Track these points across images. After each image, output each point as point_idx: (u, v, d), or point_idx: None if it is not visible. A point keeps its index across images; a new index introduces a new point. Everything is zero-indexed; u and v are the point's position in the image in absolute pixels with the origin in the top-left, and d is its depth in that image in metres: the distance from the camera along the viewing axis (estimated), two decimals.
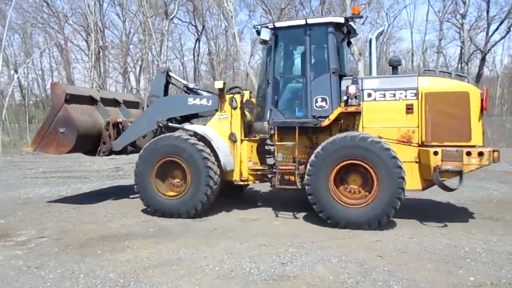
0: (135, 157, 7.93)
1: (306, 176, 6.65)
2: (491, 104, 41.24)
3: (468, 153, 6.32)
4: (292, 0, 41.56)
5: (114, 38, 43.25)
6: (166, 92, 8.62)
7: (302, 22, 7.22)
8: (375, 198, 6.38)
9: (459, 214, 7.59)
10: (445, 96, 6.61)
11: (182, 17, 41.18)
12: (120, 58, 41.66)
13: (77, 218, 7.38)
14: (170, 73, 8.70)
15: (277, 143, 7.31)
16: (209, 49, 44.76)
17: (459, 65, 36.74)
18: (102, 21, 38.94)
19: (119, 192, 9.86)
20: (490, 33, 30.17)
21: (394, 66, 7.47)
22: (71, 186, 11.06)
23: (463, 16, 29.74)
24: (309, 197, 6.65)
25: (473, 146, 6.47)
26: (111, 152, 8.54)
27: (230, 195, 8.63)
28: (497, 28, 29.75)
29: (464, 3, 29.67)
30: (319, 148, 6.64)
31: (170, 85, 8.94)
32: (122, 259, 5.12)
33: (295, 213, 7.56)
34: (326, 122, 6.89)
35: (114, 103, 9.34)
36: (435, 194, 9.48)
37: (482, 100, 6.52)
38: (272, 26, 7.30)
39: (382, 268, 4.77)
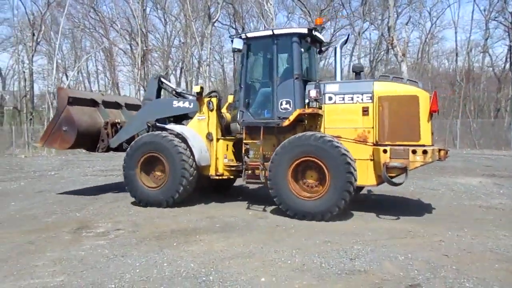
0: None
1: (267, 171, 7.43)
2: None
3: (414, 151, 6.92)
4: (332, 1, 41.43)
5: (156, 41, 44.48)
6: (158, 96, 9.64)
7: (270, 32, 7.98)
8: (327, 191, 7.05)
9: None
10: (397, 99, 7.19)
11: (222, 19, 41.91)
12: (161, 61, 42.82)
13: (145, 213, 7.85)
14: (162, 79, 9.75)
15: (244, 141, 8.11)
16: None
17: (506, 65, 35.56)
18: (145, 25, 40.12)
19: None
20: None
21: (357, 72, 8.19)
22: None
23: None
24: (270, 190, 7.42)
25: (423, 145, 6.99)
26: (108, 149, 9.69)
27: (217, 190, 9.89)
28: None
29: None
30: (279, 146, 7.42)
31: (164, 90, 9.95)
32: (198, 251, 5.48)
33: (352, 211, 7.73)
34: (286, 123, 7.56)
35: (116, 105, 10.46)
36: (491, 197, 9.44)
37: (431, 103, 7.07)
38: (244, 36, 8.09)
39: (450, 267, 4.89)
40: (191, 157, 8.12)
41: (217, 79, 45.68)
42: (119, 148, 9.59)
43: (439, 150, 7.02)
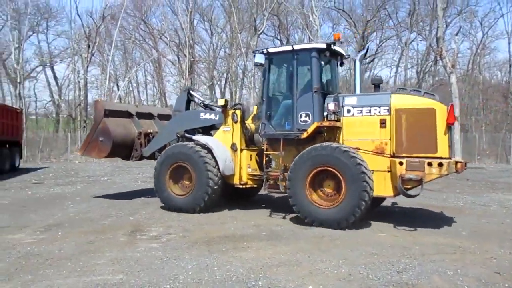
0: None
1: (287, 181, 7.64)
2: None
3: (429, 164, 7.01)
4: (379, 12, 41.01)
5: (202, 52, 45.67)
6: (188, 108, 10.07)
7: (290, 48, 8.35)
8: (343, 200, 7.20)
9: None
10: (414, 112, 7.34)
11: (267, 31, 42.49)
12: (207, 72, 43.88)
13: (194, 219, 8.15)
14: (191, 92, 10.17)
15: (265, 152, 8.47)
16: None
17: None
18: (193, 36, 41.32)
19: (222, 200, 10.60)
20: None
21: (376, 85, 8.27)
22: None
23: None
24: (289, 199, 7.64)
25: (440, 158, 7.07)
26: (141, 158, 10.24)
27: (242, 199, 10.15)
28: None
29: None
30: (297, 156, 7.63)
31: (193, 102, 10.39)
32: (246, 257, 5.67)
33: (397, 225, 7.67)
34: (304, 135, 7.85)
35: (149, 116, 11.05)
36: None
37: (448, 115, 7.15)
38: (266, 52, 8.48)
39: (503, 285, 4.79)
40: (216, 166, 8.52)
41: (260, 88, 46.14)
42: (151, 157, 10.10)
43: (456, 162, 7.06)
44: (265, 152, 8.50)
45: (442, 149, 7.17)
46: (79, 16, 37.88)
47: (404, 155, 7.31)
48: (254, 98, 34.13)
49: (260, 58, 8.34)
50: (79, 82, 38.55)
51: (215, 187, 8.52)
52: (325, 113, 7.84)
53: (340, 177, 7.25)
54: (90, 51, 36.35)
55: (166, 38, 40.97)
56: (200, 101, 10.34)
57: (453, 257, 5.87)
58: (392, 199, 9.30)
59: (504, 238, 6.99)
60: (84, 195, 11.17)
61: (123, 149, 10.15)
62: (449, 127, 7.26)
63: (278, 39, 45.79)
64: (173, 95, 47.39)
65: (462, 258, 5.82)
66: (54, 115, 44.42)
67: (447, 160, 7.05)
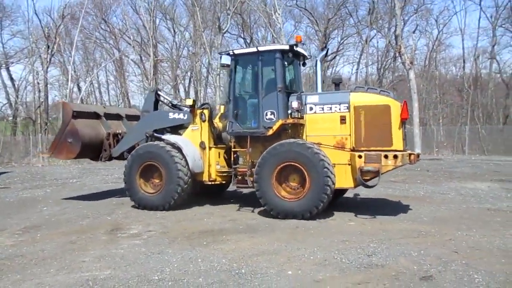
0: None
1: (255, 175, 8.04)
2: None
3: (385, 156, 7.60)
4: (339, 10, 42.07)
5: (165, 51, 45.34)
6: (156, 108, 10.28)
7: (255, 49, 8.75)
8: (307, 193, 7.70)
9: None
10: (371, 109, 7.88)
11: (230, 29, 42.69)
12: (171, 71, 43.63)
13: (171, 217, 8.36)
14: (159, 92, 10.45)
15: (233, 149, 8.83)
16: None
17: None
18: (155, 35, 40.95)
19: (197, 196, 10.83)
20: None
21: (336, 84, 8.82)
22: None
23: None
24: (256, 192, 8.05)
25: (395, 151, 7.66)
26: (111, 158, 10.41)
27: (212, 196, 10.40)
28: None
29: None
30: (265, 152, 8.06)
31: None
32: (227, 248, 5.99)
33: (365, 214, 8.18)
34: (270, 132, 8.27)
35: (117, 117, 11.16)
36: (499, 201, 9.84)
37: (401, 111, 7.70)
38: (232, 53, 8.85)
39: (460, 261, 5.34)
40: (186, 164, 8.80)
41: (226, 89, 46.35)
42: (120, 157, 10.27)
43: (410, 154, 7.67)
44: (233, 149, 8.86)
45: (397, 143, 7.74)
46: (37, 15, 36.63)
47: (362, 149, 7.85)
48: (219, 97, 34.34)
49: (226, 60, 8.72)
50: (38, 83, 37.42)
51: (185, 185, 8.78)
52: (289, 111, 8.27)
53: (304, 171, 7.71)
54: (49, 51, 35.35)
55: (128, 37, 40.48)
56: (168, 101, 10.57)
57: (416, 240, 6.40)
58: (354, 191, 9.93)
59: (460, 222, 7.62)
60: (56, 198, 11.10)
61: (91, 150, 10.26)
62: (402, 122, 7.80)
63: (242, 37, 46.12)
64: (137, 95, 46.88)
65: (424, 241, 6.36)
66: (11, 118, 42.89)
67: (401, 153, 7.63)
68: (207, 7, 39.55)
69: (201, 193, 10.08)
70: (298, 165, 7.77)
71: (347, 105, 8.01)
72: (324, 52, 9.80)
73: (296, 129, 8.43)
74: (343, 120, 8.02)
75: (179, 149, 8.90)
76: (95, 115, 10.60)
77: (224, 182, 9.50)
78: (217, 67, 33.54)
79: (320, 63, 9.34)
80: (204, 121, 9.25)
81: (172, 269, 5.12)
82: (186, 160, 8.82)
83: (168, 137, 9.34)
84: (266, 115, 8.41)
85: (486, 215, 8.34)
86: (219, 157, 9.38)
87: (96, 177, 16.16)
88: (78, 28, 32.10)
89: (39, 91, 37.35)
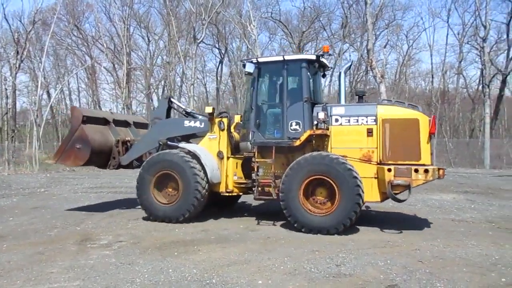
0: None
1: (281, 186, 7.83)
2: None
3: (416, 170, 7.50)
4: (313, 23, 42.88)
5: (139, 59, 45.03)
6: (168, 115, 10.08)
7: (280, 58, 8.60)
8: (335, 209, 7.50)
9: (488, 229, 8.29)
10: (399, 122, 7.83)
11: (205, 39, 42.82)
12: (144, 80, 43.30)
13: (142, 227, 8.30)
14: (172, 99, 10.19)
15: (257, 160, 8.51)
16: (231, 71, 46.27)
17: (480, 87, 37.28)
18: (129, 43, 40.64)
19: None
20: (510, 55, 30.80)
21: (360, 96, 8.86)
22: (122, 200, 12.10)
23: (484, 40, 30.40)
24: (281, 203, 7.81)
25: (422, 165, 7.61)
26: (119, 166, 9.99)
27: (222, 206, 10.13)
28: None
29: (485, 27, 30.41)
30: (293, 163, 7.84)
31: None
32: (198, 259, 6.00)
33: None
34: (297, 143, 8.09)
35: (125, 124, 10.87)
36: (463, 212, 10.21)
37: (430, 125, 7.67)
38: (256, 61, 8.63)
39: (424, 271, 5.53)
40: (204, 175, 8.47)
41: (200, 98, 46.36)
42: (129, 166, 9.96)
43: (438, 169, 7.60)
44: (256, 160, 8.51)
45: (425, 157, 7.67)
46: (6, 20, 35.76)
47: (390, 162, 7.72)
48: (192, 106, 34.27)
49: (250, 67, 8.46)
50: (6, 89, 36.42)
51: (203, 196, 8.47)
52: (315, 122, 8.11)
53: (335, 186, 7.49)
54: (19, 57, 34.51)
55: (101, 44, 40.00)
56: (182, 109, 10.28)
57: (383, 250, 6.59)
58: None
59: (426, 232, 7.88)
60: (23, 208, 10.82)
61: (100, 157, 9.79)
62: (430, 136, 7.77)
63: (217, 48, 46.41)
64: (109, 103, 46.22)
65: (391, 250, 6.56)
66: None
67: (432, 167, 7.58)
68: (182, 17, 39.69)
69: (214, 205, 9.79)
70: (329, 180, 7.56)
71: (374, 117, 7.92)
72: (349, 64, 9.73)
73: (321, 140, 8.25)
74: (370, 132, 7.91)
75: (198, 158, 8.57)
76: (104, 121, 10.21)
77: (241, 193, 9.23)
78: (192, 76, 33.55)
79: (344, 75, 9.22)
80: (222, 129, 8.96)
81: (143, 280, 5.11)
82: (204, 170, 8.49)
83: (186, 145, 9.05)
84: (291, 125, 8.26)
85: (450, 225, 8.65)
86: (236, 167, 9.10)
87: (65, 187, 15.82)
88: (49, 34, 31.51)
89: (7, 97, 36.33)
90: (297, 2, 73.74)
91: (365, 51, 32.35)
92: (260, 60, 8.71)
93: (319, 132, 8.01)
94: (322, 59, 8.74)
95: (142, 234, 7.64)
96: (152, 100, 44.85)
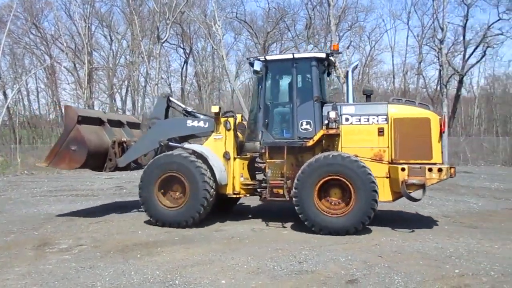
0: (135, 176, 8.76)
1: (293, 189, 7.66)
2: (470, 124, 43.29)
3: (430, 169, 7.48)
4: (278, 24, 43.20)
5: (101, 59, 44.00)
6: (166, 115, 9.71)
7: (290, 56, 8.47)
8: (352, 209, 7.41)
9: (444, 223, 8.63)
10: (410, 121, 7.81)
11: (170, 39, 42.31)
12: (107, 80, 42.33)
13: (104, 230, 8.13)
14: (171, 98, 9.82)
15: (268, 160, 8.31)
16: (196, 71, 45.96)
17: (438, 87, 38.69)
18: (91, 42, 39.62)
19: (132, 207, 10.62)
20: (466, 57, 32.15)
21: (367, 95, 8.75)
22: (83, 203, 11.76)
23: (441, 41, 31.57)
24: (296, 207, 7.65)
25: (434, 164, 7.64)
26: (116, 168, 9.52)
27: (222, 208, 9.60)
28: (473, 52, 31.86)
29: (442, 29, 31.58)
30: (305, 164, 7.67)
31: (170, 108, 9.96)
32: (161, 260, 5.95)
33: (299, 223, 8.45)
34: (310, 143, 7.99)
35: (119, 124, 10.40)
36: (422, 208, 10.56)
37: (440, 124, 7.77)
38: (264, 59, 8.41)
39: (383, 265, 5.72)
40: (212, 177, 8.18)
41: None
42: (126, 168, 9.58)
43: (450, 167, 7.62)
44: (267, 161, 8.32)
45: (436, 156, 7.70)
46: None
47: (401, 161, 7.69)
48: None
49: (258, 65, 8.19)
50: None
51: (210, 199, 8.15)
52: (326, 121, 7.97)
53: (350, 186, 7.40)
54: None
55: (61, 43, 38.77)
56: (182, 108, 9.89)
57: (345, 246, 6.75)
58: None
59: (387, 228, 8.08)
60: None
61: (96, 159, 9.24)
62: (441, 135, 7.75)
63: (181, 47, 45.96)
64: (69, 104, 44.80)
65: (353, 246, 6.73)
66: None
67: (445, 166, 7.60)
68: (146, 16, 39.01)
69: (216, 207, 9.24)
70: (344, 179, 7.45)
71: (385, 116, 7.88)
72: (356, 63, 9.62)
73: (332, 140, 8.15)
74: (381, 132, 7.87)
75: (205, 160, 8.23)
76: (99, 121, 9.69)
77: (247, 195, 8.89)
78: (156, 76, 33.07)
79: (352, 73, 9.12)
80: (229, 129, 8.62)
81: (104, 283, 5.02)
82: (213, 172, 8.17)
83: (192, 146, 8.73)
84: (301, 125, 8.13)
85: (409, 221, 8.94)
86: (243, 168, 8.84)
87: (23, 190, 15.26)
88: (5, 32, 30.28)
89: None
90: (262, 3, 74.03)
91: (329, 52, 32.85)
92: (268, 58, 8.51)
93: (332, 132, 7.90)
94: (331, 57, 8.65)
95: (104, 237, 7.49)
96: (115, 101, 43.93)
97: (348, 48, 41.87)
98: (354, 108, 8.21)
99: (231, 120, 8.73)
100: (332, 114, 7.86)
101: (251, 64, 8.46)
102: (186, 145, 8.91)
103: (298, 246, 6.73)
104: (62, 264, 5.84)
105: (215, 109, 8.77)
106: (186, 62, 46.23)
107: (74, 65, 40.25)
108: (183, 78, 46.50)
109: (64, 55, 40.28)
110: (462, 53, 33.22)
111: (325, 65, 8.64)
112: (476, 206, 10.78)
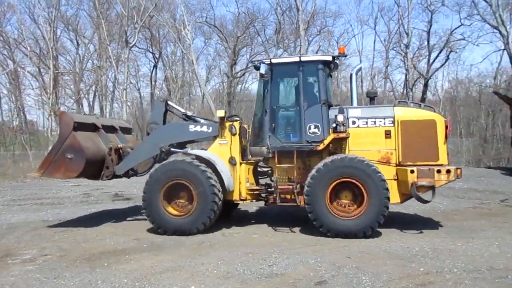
0: (103, 184, 8.55)
1: (306, 187, 7.57)
2: None
3: (438, 171, 7.53)
4: (248, 29, 43.37)
5: (67, 64, 42.98)
6: (164, 120, 9.38)
7: (296, 59, 8.38)
8: (365, 211, 7.42)
9: (410, 223, 8.83)
10: (417, 123, 7.87)
11: (138, 43, 41.76)
12: (74, 85, 41.35)
13: (70, 238, 7.92)
14: (169, 102, 9.52)
15: (277, 165, 8.16)
16: (165, 75, 45.54)
17: (404, 90, 39.72)
18: (56, 47, 38.63)
19: (100, 215, 10.41)
20: (431, 61, 33.21)
21: (371, 98, 8.78)
22: (49, 211, 11.40)
23: (407, 46, 32.52)
24: (306, 206, 7.58)
25: (441, 165, 7.72)
26: (113, 176, 9.14)
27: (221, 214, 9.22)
28: (437, 56, 32.95)
29: (407, 34, 32.53)
30: (319, 166, 7.60)
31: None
32: (129, 268, 5.86)
33: (270, 226, 8.50)
34: (321, 146, 7.93)
35: (112, 129, 9.97)
36: (390, 207, 10.78)
37: (446, 126, 7.88)
38: (269, 62, 8.31)
39: (351, 265, 5.82)
40: (220, 184, 8.00)
41: (133, 104, 45.14)
42: (124, 175, 9.23)
43: (457, 168, 7.65)
44: (277, 165, 8.15)
45: (443, 157, 7.74)
46: None
47: (409, 163, 7.74)
48: (126, 112, 33.29)
49: (262, 69, 8.07)
50: None
51: (220, 204, 7.99)
52: (334, 125, 7.92)
53: (363, 189, 7.40)
54: None
55: (25, 47, 37.62)
56: (182, 113, 9.57)
57: (314, 248, 6.82)
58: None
59: None
60: None
61: (92, 167, 8.72)
62: (446, 137, 7.81)
63: (150, 52, 45.45)
64: (34, 110, 43.62)
65: (322, 248, 6.81)
66: None
67: (453, 167, 7.63)
68: (114, 20, 38.41)
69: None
70: (356, 182, 7.44)
71: (391, 119, 7.91)
72: (359, 66, 9.47)
73: (338, 143, 8.11)
74: (388, 134, 7.90)
75: (213, 166, 8.03)
76: (93, 127, 9.24)
77: (253, 200, 8.72)
78: (124, 81, 32.57)
79: (356, 76, 9.09)
80: (234, 134, 8.46)
81: None
82: (221, 179, 7.98)
83: (198, 152, 8.51)
84: (310, 128, 8.03)
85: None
86: (248, 173, 8.68)
87: None
88: None
89: None
90: (232, 8, 74.27)
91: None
92: (274, 61, 8.40)
93: (343, 135, 7.88)
94: (336, 60, 8.64)
95: (70, 246, 7.29)
96: (82, 106, 42.93)
97: (317, 52, 42.39)
98: (361, 111, 8.24)
99: (236, 124, 8.59)
100: (340, 118, 7.83)
101: (256, 68, 8.38)
102: (189, 150, 8.73)
103: (269, 249, 6.75)
104: (25, 275, 5.66)
105: (220, 113, 8.57)
106: (155, 66, 45.78)
107: (39, 70, 39.08)
108: (153, 83, 46.00)
109: (28, 60, 39.11)
110: (427, 57, 34.37)
111: (331, 68, 8.66)
112: (440, 205, 11.09)
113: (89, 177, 9.31)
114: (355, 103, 8.84)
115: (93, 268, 5.91)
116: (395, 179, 7.91)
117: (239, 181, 8.46)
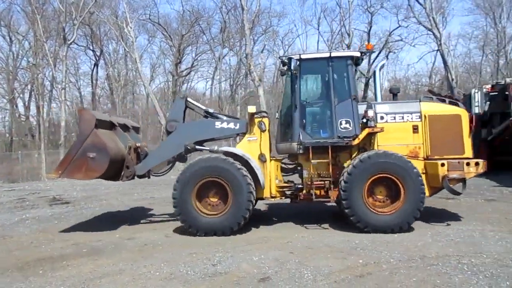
0: (39, 187, 8.17)
1: (342, 185, 7.59)
2: None
3: (468, 164, 7.78)
4: (193, 27, 42.91)
5: (0, 61, 40.39)
6: (184, 117, 9.05)
7: (326, 55, 8.45)
8: (402, 206, 7.52)
9: None
10: (443, 118, 8.11)
11: (78, 40, 40.01)
12: (7, 84, 38.93)
13: (1, 247, 7.45)
14: (189, 99, 9.21)
15: (312, 161, 8.06)
16: (107, 74, 44.03)
17: None
18: None
19: (36, 221, 9.89)
20: (371, 61, 34.56)
21: (394, 94, 9.03)
22: None
23: (348, 46, 33.60)
24: (343, 201, 7.57)
25: (467, 158, 7.98)
26: (134, 176, 8.76)
27: None
28: (377, 56, 34.29)
29: (349, 35, 33.67)
30: (356, 161, 7.65)
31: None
32: (66, 275, 5.59)
33: None
34: (356, 141, 7.99)
35: (125, 128, 9.51)
36: (330, 205, 11.08)
37: (470, 120, 8.16)
38: (298, 58, 8.26)
39: (294, 261, 5.92)
40: (253, 181, 7.80)
41: (73, 103, 43.27)
42: (144, 175, 8.80)
43: (484, 162, 7.90)
44: (312, 161, 8.01)
45: (468, 151, 7.98)
46: None
47: (436, 157, 7.90)
48: (65, 112, 31.85)
49: (293, 64, 7.97)
50: None
51: (254, 202, 7.92)
52: (364, 120, 7.97)
53: (400, 184, 7.47)
54: None
55: None
56: (203, 110, 9.17)
57: (258, 246, 6.88)
58: None
59: (298, 225, 8.39)
60: None
61: (114, 167, 8.26)
62: (470, 131, 8.06)
63: (91, 49, 43.76)
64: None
65: (266, 246, 6.88)
66: None
67: (481, 160, 7.88)
68: (50, 16, 36.57)
69: None
70: (394, 178, 7.51)
71: (419, 114, 8.08)
72: (383, 62, 9.37)
73: (367, 139, 8.12)
74: (415, 129, 8.05)
75: (246, 163, 7.84)
76: (110, 125, 8.79)
77: (283, 198, 8.59)
78: (63, 80, 31.08)
79: (379, 72, 9.20)
80: (264, 131, 8.33)
81: None
82: (256, 177, 7.81)
83: (229, 149, 8.29)
84: (341, 124, 8.02)
85: (319, 217, 9.29)
86: (277, 170, 8.52)
87: None
88: None
89: None
90: (176, 5, 73.19)
91: (244, 55, 33.43)
92: (303, 56, 8.34)
93: (378, 130, 7.94)
94: (364, 56, 8.74)
95: (1, 255, 6.86)
96: (16, 106, 40.56)
97: (262, 51, 42.81)
98: (388, 106, 8.37)
99: (265, 120, 8.47)
100: (371, 113, 7.92)
101: (284, 63, 8.35)
102: (225, 148, 8.53)
103: (213, 248, 6.72)
104: None
105: (252, 109, 8.39)
106: (96, 64, 44.13)
107: None
108: (94, 82, 44.32)
109: None
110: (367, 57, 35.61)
111: (359, 64, 8.77)
112: None
113: (109, 178, 8.76)
114: (379, 99, 9.04)
115: (26, 277, 5.58)
116: (423, 173, 8.03)
117: (269, 178, 8.37)
